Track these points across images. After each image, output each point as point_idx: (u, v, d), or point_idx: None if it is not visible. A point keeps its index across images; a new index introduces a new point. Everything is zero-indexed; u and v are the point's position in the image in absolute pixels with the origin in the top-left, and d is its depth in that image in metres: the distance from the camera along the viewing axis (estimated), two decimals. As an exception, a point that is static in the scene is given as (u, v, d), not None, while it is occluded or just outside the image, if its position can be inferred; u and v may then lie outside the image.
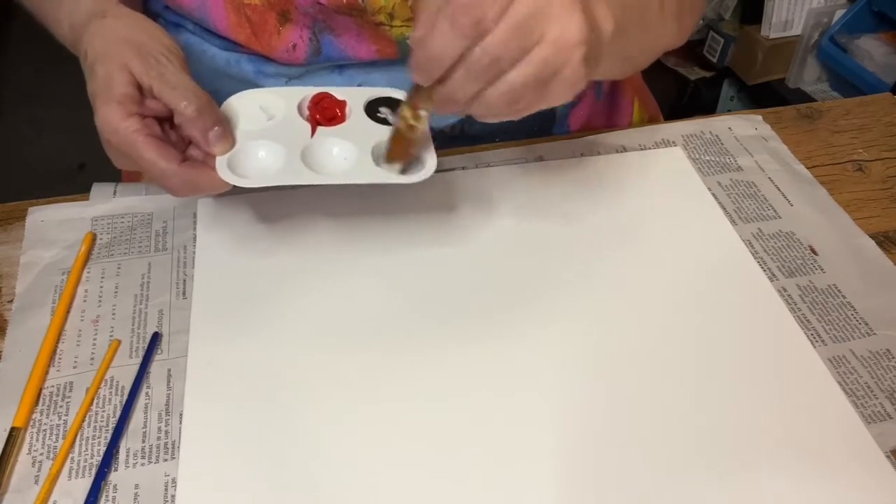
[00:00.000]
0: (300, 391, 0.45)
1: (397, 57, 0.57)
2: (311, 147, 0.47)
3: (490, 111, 0.41)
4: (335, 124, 0.49)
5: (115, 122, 0.43)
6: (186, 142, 0.46)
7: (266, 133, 0.48)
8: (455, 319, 0.49)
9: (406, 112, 0.43)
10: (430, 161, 0.47)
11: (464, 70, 0.38)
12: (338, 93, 0.50)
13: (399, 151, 0.46)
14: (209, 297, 0.50)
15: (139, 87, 0.44)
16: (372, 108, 0.50)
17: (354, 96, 0.50)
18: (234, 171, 0.45)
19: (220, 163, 0.45)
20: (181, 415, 0.44)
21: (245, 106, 0.49)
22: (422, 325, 0.49)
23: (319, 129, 0.48)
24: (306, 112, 0.49)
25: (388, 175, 0.46)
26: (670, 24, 0.53)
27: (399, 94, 0.51)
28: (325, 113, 0.49)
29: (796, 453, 0.43)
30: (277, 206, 0.55)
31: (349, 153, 0.48)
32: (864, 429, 0.44)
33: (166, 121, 0.46)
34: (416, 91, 0.42)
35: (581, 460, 0.42)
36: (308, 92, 0.50)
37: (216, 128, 0.45)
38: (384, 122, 0.49)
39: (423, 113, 0.43)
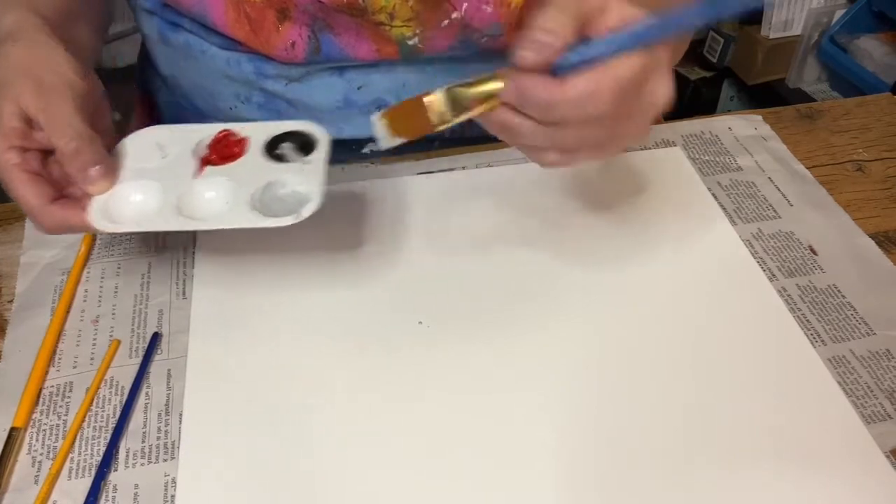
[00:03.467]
0: (300, 391, 0.45)
1: (397, 57, 0.57)
2: (191, 190, 0.45)
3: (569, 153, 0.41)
4: (230, 162, 0.47)
5: None
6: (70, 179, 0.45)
7: (152, 173, 0.46)
8: (454, 320, 0.49)
9: (468, 89, 0.39)
10: (315, 195, 0.44)
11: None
12: (244, 129, 0.48)
13: (410, 126, 0.41)
14: (209, 297, 0.50)
15: (28, 121, 0.43)
16: (274, 144, 0.47)
17: (260, 131, 0.48)
18: (109, 213, 0.44)
19: (93, 204, 0.44)
20: (181, 415, 0.44)
21: (142, 143, 0.47)
22: (422, 325, 0.49)
23: (207, 168, 0.46)
24: (206, 150, 0.47)
25: (256, 219, 0.43)
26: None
27: (309, 128, 0.48)
28: (221, 151, 0.47)
29: (796, 453, 0.42)
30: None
31: (228, 195, 0.45)
32: (864, 429, 0.44)
33: (53, 155, 0.44)
34: (498, 76, 0.38)
35: (582, 460, 0.42)
36: (213, 130, 0.48)
37: (95, 167, 0.44)
38: (279, 158, 0.47)
39: (495, 98, 0.39)
